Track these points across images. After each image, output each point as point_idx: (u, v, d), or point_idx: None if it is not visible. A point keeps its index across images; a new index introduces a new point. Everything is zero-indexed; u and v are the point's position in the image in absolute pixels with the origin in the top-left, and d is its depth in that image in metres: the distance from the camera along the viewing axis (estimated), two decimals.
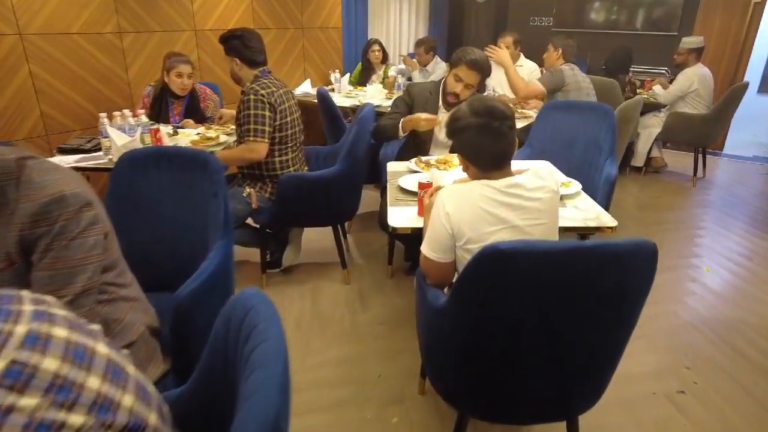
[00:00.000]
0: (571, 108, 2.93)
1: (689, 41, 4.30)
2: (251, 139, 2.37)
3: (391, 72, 4.66)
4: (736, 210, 3.94)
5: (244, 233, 2.67)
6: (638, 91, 4.68)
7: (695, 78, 4.23)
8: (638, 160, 4.65)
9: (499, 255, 1.04)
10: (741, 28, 5.05)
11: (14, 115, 3.02)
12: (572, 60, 3.30)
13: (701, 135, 4.34)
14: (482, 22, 7.14)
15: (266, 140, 2.39)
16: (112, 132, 2.43)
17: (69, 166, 2.43)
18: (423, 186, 1.76)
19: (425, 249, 1.44)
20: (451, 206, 1.37)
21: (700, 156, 4.56)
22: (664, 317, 2.52)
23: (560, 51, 3.32)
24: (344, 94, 4.51)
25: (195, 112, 3.21)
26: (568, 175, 2.91)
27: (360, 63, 4.98)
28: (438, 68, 4.57)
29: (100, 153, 2.55)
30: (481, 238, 1.34)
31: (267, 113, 2.36)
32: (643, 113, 4.63)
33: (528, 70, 4.12)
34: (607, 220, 1.76)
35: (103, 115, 2.49)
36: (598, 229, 1.78)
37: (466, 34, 7.29)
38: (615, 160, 2.71)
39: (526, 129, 3.24)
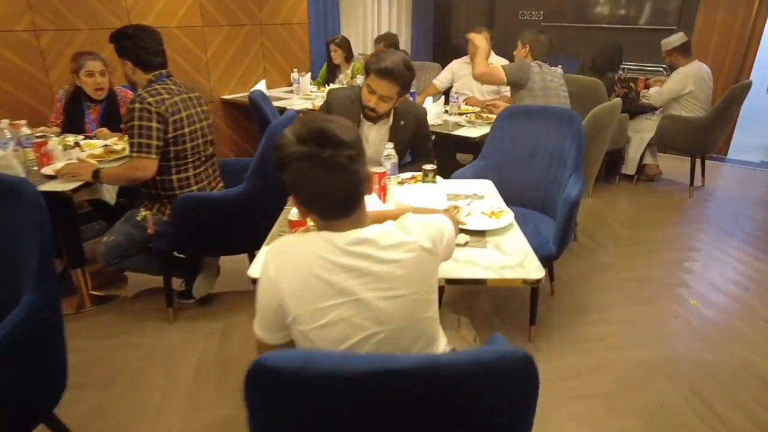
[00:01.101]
0: (531, 114, 2.51)
1: (667, 42, 3.85)
2: (135, 154, 2.01)
3: (359, 78, 4.25)
4: (735, 226, 3.48)
5: (144, 259, 2.31)
6: (638, 89, 4.20)
7: (690, 79, 3.76)
8: (629, 168, 4.20)
9: (266, 374, 0.66)
10: (747, 20, 4.56)
11: None
12: (543, 58, 2.88)
13: (698, 141, 3.88)
14: (470, 16, 6.70)
15: (154, 156, 2.02)
16: None
17: None
18: (294, 224, 1.37)
19: (255, 324, 1.06)
20: (275, 269, 0.99)
21: (699, 162, 4.09)
22: (633, 366, 2.11)
23: (527, 48, 2.89)
24: (302, 96, 4.14)
25: (113, 118, 2.86)
26: (524, 193, 2.51)
27: (326, 62, 4.61)
28: None
29: None
30: (314, 316, 0.96)
31: (154, 125, 2.00)
32: (634, 116, 4.19)
33: None
34: (531, 269, 1.35)
35: None
36: (528, 281, 1.35)
37: (454, 29, 6.86)
38: (580, 176, 2.29)
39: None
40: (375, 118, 2.12)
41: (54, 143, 2.30)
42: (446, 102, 3.53)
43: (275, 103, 3.85)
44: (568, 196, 2.08)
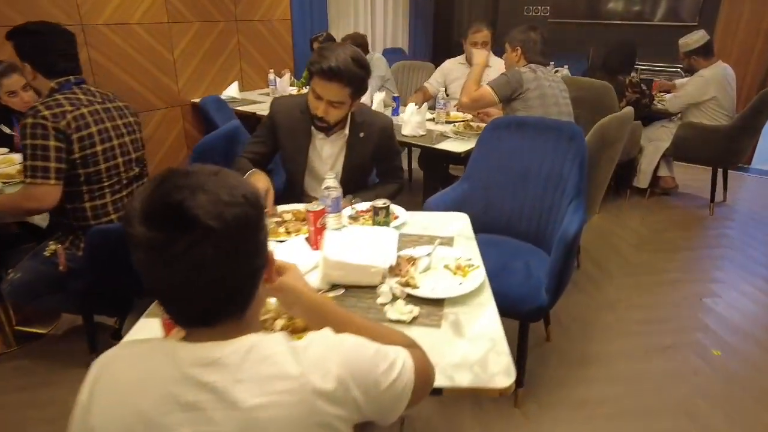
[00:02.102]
0: (524, 127, 2.11)
1: (685, 43, 3.41)
2: (29, 180, 1.65)
3: None
4: (763, 250, 3.05)
5: (62, 299, 1.94)
6: (652, 93, 3.77)
7: (712, 84, 3.31)
8: (642, 181, 3.76)
9: None
10: None
11: None
12: (538, 59, 2.46)
13: (722, 152, 3.43)
14: (473, 13, 6.27)
15: (53, 181, 1.66)
16: None
17: None
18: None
19: None
20: (91, 389, 0.65)
21: (720, 174, 3.65)
22: None
23: (519, 50, 2.48)
24: None
25: None
26: (515, 222, 2.10)
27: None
28: (377, 62, 3.73)
29: None
30: None
31: (52, 143, 1.63)
32: (649, 123, 3.76)
33: (498, 72, 3.28)
34: (497, 371, 0.95)
35: None
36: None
37: (456, 26, 6.44)
38: (582, 204, 1.89)
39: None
40: (327, 128, 1.74)
41: None
42: (434, 108, 3.13)
43: (248, 108, 3.48)
44: (564, 233, 1.68)
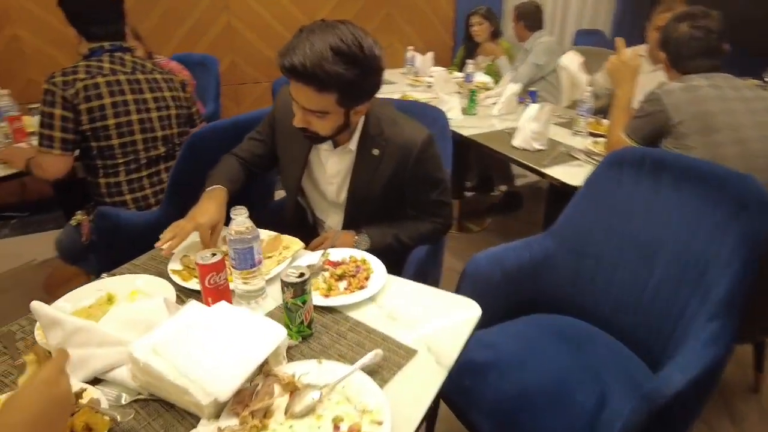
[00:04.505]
0: (661, 169, 1.28)
1: None
2: (38, 148, 1.59)
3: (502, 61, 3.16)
4: None
5: (89, 262, 1.93)
6: None
7: None
8: None
9: None
10: None
11: None
12: (691, 66, 1.49)
13: None
14: None
15: (58, 151, 1.58)
16: None
17: None
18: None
19: None
20: None
21: None
22: None
23: (663, 56, 1.56)
24: (412, 80, 3.31)
25: None
26: (620, 313, 1.31)
27: (464, 42, 3.65)
28: (538, 46, 2.92)
29: None
30: None
31: (57, 111, 1.54)
32: None
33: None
34: None
35: None
36: None
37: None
38: (728, 330, 1.08)
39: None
40: (319, 139, 1.25)
41: (31, 120, 2.06)
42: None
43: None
44: (662, 385, 0.92)
